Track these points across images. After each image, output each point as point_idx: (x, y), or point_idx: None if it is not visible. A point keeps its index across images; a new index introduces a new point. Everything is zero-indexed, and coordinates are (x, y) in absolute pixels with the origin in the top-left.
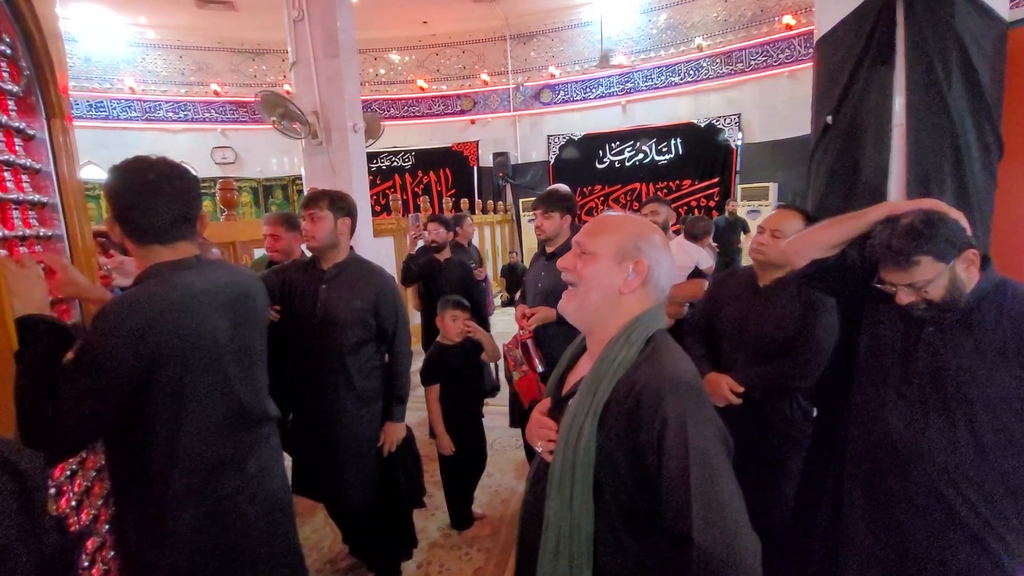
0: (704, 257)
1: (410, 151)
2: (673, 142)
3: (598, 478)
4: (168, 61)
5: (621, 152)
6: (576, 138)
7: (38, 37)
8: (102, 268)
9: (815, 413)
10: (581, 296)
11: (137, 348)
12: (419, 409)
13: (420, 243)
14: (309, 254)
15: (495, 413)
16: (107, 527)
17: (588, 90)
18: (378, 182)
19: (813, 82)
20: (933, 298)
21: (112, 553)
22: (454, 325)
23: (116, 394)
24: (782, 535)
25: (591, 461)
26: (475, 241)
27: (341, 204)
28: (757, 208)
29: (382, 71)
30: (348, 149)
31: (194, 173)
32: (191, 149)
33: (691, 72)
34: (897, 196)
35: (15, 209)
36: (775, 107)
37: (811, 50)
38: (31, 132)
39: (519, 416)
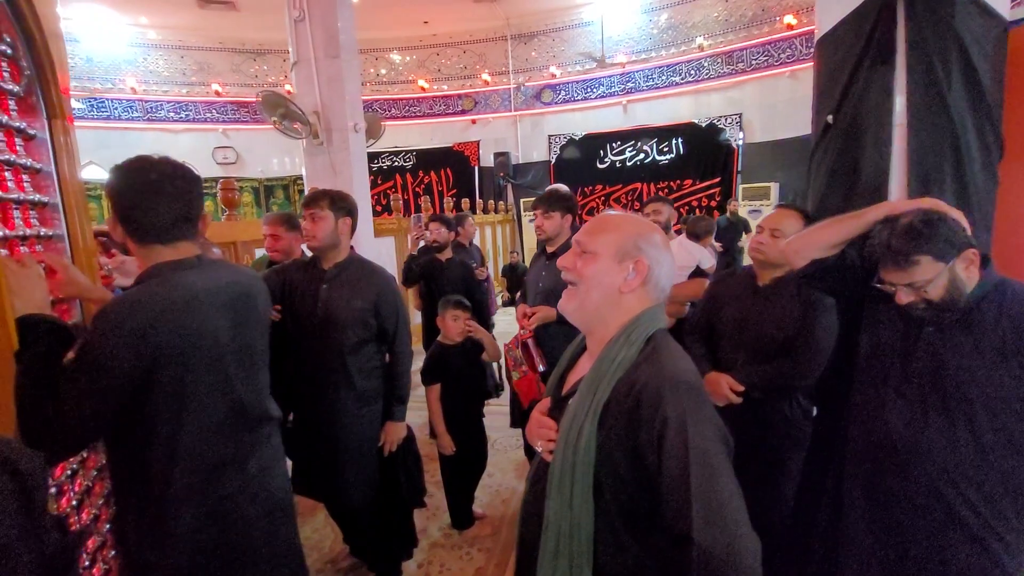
0: (706, 257)
1: (411, 151)
2: (674, 142)
3: (598, 478)
4: (169, 61)
5: (622, 152)
6: (577, 138)
7: (39, 37)
8: (103, 268)
9: (815, 412)
10: (581, 295)
11: (137, 348)
12: (420, 409)
13: (421, 243)
14: (310, 254)
15: (496, 413)
16: (108, 526)
17: (589, 90)
18: (379, 182)
19: (814, 82)
20: (933, 298)
21: (113, 553)
22: (455, 325)
23: (116, 394)
24: (782, 535)
25: (591, 460)
26: (476, 241)
27: (342, 204)
28: (758, 208)
29: (383, 71)
30: (349, 149)
31: (196, 173)
32: (192, 149)
33: (692, 72)
34: (897, 196)
35: (16, 209)
36: (776, 107)
37: (812, 50)
38: (32, 132)
39: (520, 416)
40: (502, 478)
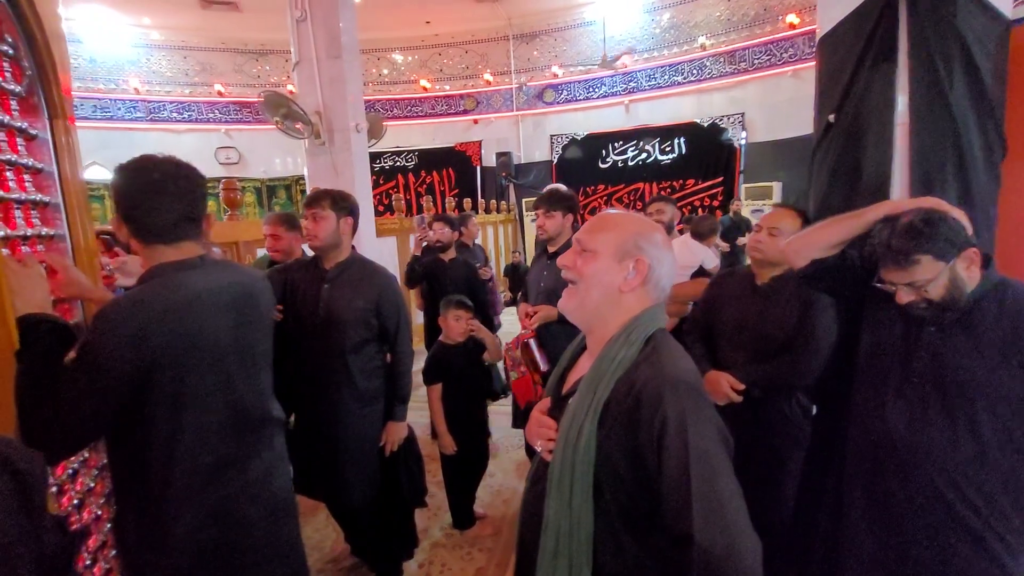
0: (709, 257)
1: (413, 151)
2: (676, 142)
3: (598, 477)
4: (172, 62)
5: (624, 152)
6: (579, 138)
7: (40, 37)
8: (105, 268)
9: (814, 412)
10: (581, 294)
11: (137, 349)
12: (421, 409)
13: (424, 244)
14: (311, 254)
15: (497, 413)
16: (108, 526)
17: (591, 90)
18: (381, 182)
19: (815, 81)
20: (933, 297)
21: (113, 552)
22: (457, 325)
23: (116, 394)
24: (782, 535)
25: (591, 460)
26: (478, 241)
27: (343, 204)
28: (761, 208)
29: (385, 71)
30: (351, 149)
31: (200, 173)
32: (195, 149)
33: (694, 71)
34: (900, 195)
35: (18, 209)
36: (779, 106)
37: (814, 49)
38: (33, 132)
39: (520, 417)
40: (503, 478)
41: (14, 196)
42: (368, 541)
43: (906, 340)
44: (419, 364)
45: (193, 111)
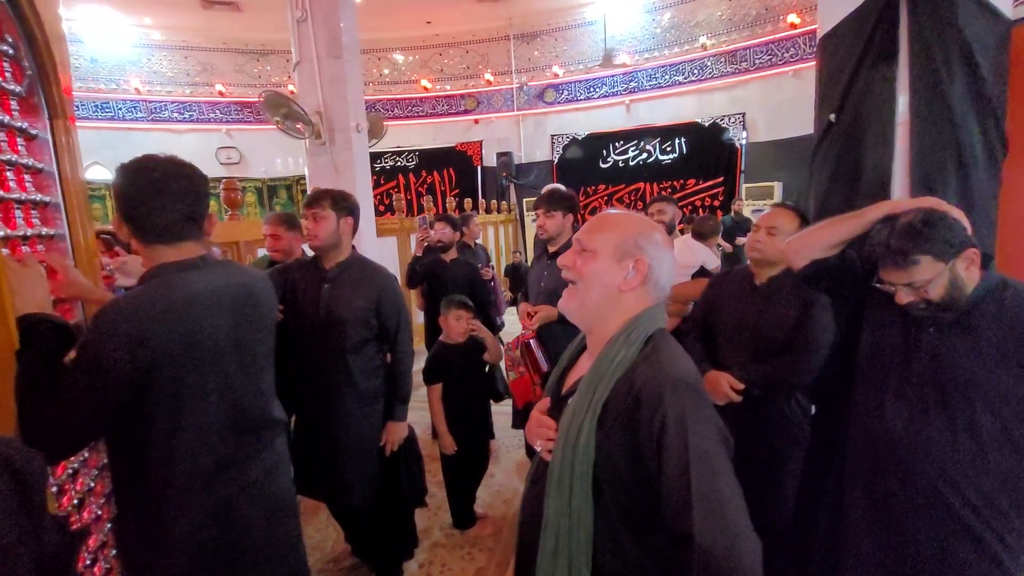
0: (711, 257)
1: (414, 151)
2: (677, 142)
3: (597, 477)
4: (173, 62)
5: (625, 152)
6: (580, 138)
7: (40, 37)
8: (105, 268)
9: (813, 411)
10: (581, 294)
11: (136, 349)
12: (421, 409)
13: (426, 245)
14: (311, 254)
15: (497, 413)
16: (109, 526)
17: (592, 90)
18: (382, 182)
19: (816, 80)
20: (933, 298)
21: (114, 552)
22: (457, 325)
23: (115, 394)
24: (782, 535)
25: (590, 460)
26: (480, 241)
27: (344, 203)
28: (762, 208)
29: (386, 71)
30: (351, 149)
31: (202, 173)
32: (196, 149)
33: (695, 71)
34: (900, 195)
35: (18, 208)
36: (780, 106)
37: (815, 49)
38: (34, 132)
39: (521, 417)
40: (504, 478)
41: (14, 196)
42: (368, 541)
43: (906, 340)
44: (419, 364)
45: (194, 111)
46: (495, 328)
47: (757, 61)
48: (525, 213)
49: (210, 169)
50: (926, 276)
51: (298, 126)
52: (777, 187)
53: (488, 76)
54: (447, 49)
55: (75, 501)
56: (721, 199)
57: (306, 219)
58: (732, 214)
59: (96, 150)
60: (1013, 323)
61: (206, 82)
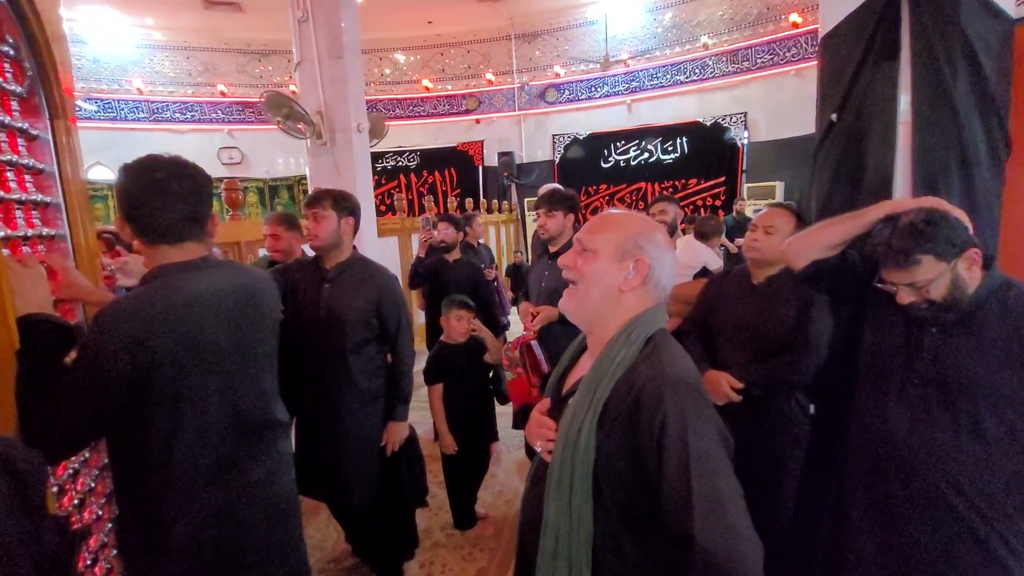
0: (712, 257)
1: (415, 151)
2: (678, 141)
3: (597, 478)
4: (175, 62)
5: (626, 151)
6: (581, 137)
7: (41, 38)
8: (106, 268)
9: (812, 411)
10: (581, 294)
11: (136, 350)
12: (422, 409)
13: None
14: (311, 254)
15: (498, 414)
16: (109, 526)
17: (593, 89)
18: (383, 182)
19: (817, 80)
20: (934, 298)
21: (115, 552)
22: (459, 325)
23: (115, 395)
24: (782, 536)
25: (590, 460)
26: (484, 240)
27: (344, 203)
28: (763, 207)
29: (387, 71)
30: (352, 149)
31: (205, 173)
32: (198, 149)
33: (697, 71)
34: (903, 195)
35: (19, 209)
36: (781, 106)
37: (817, 48)
38: (35, 132)
39: (521, 417)
40: (505, 478)
41: (15, 196)
42: (369, 541)
43: (908, 341)
44: (420, 364)
45: (196, 111)
46: (499, 328)
47: (759, 60)
48: (526, 213)
49: (212, 169)
50: (928, 276)
51: (299, 126)
52: (779, 187)
53: (489, 76)
54: (448, 49)
55: (76, 501)
56: (723, 199)
57: (307, 219)
58: (734, 214)
59: (99, 150)
60: (1017, 323)
61: (208, 82)
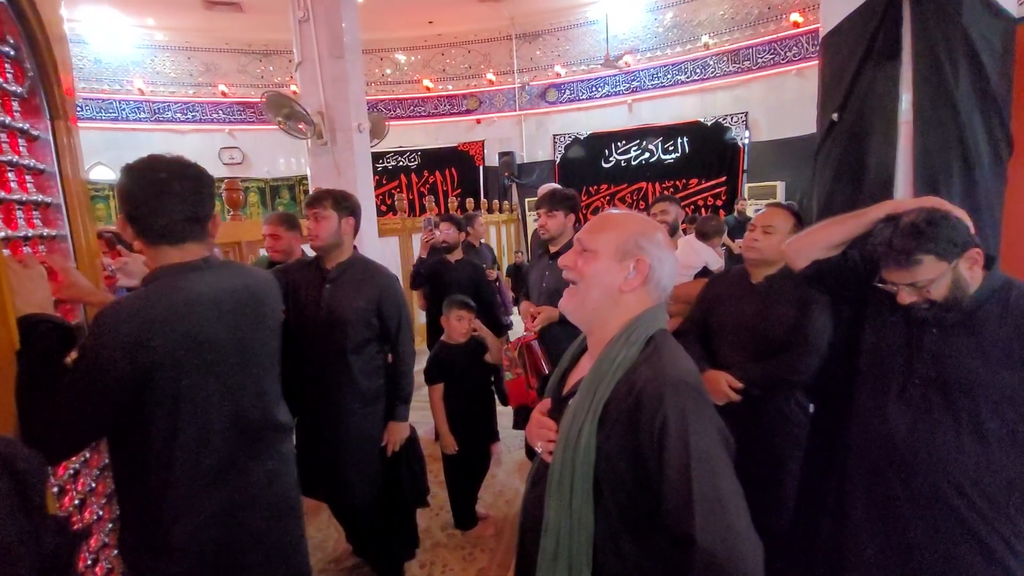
0: (714, 257)
1: (416, 151)
2: (679, 141)
3: (598, 478)
4: (176, 62)
5: (627, 151)
6: (582, 137)
7: (42, 39)
8: (107, 268)
9: (811, 409)
10: (581, 294)
11: (136, 351)
12: (423, 409)
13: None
14: (311, 254)
15: (499, 414)
16: (110, 526)
17: (594, 89)
18: (384, 182)
19: (818, 79)
20: (935, 298)
21: (115, 552)
22: (459, 325)
23: (114, 396)
24: (782, 536)
25: (591, 461)
26: (484, 241)
27: (345, 204)
28: (764, 208)
29: (388, 71)
30: (353, 149)
31: (207, 173)
32: (199, 149)
33: (698, 70)
34: (904, 194)
35: (19, 209)
36: (783, 105)
37: (818, 47)
38: (35, 133)
39: (522, 418)
40: (505, 478)
41: (16, 197)
42: (370, 541)
43: (908, 341)
44: (421, 364)
45: (197, 111)
46: (502, 328)
47: (760, 60)
48: (527, 213)
49: (213, 169)
50: (929, 276)
51: (300, 126)
52: (780, 186)
53: (490, 76)
54: (449, 49)
55: (76, 501)
56: (724, 199)
57: (308, 219)
58: (736, 214)
59: (100, 150)
60: (1018, 324)
61: (209, 82)
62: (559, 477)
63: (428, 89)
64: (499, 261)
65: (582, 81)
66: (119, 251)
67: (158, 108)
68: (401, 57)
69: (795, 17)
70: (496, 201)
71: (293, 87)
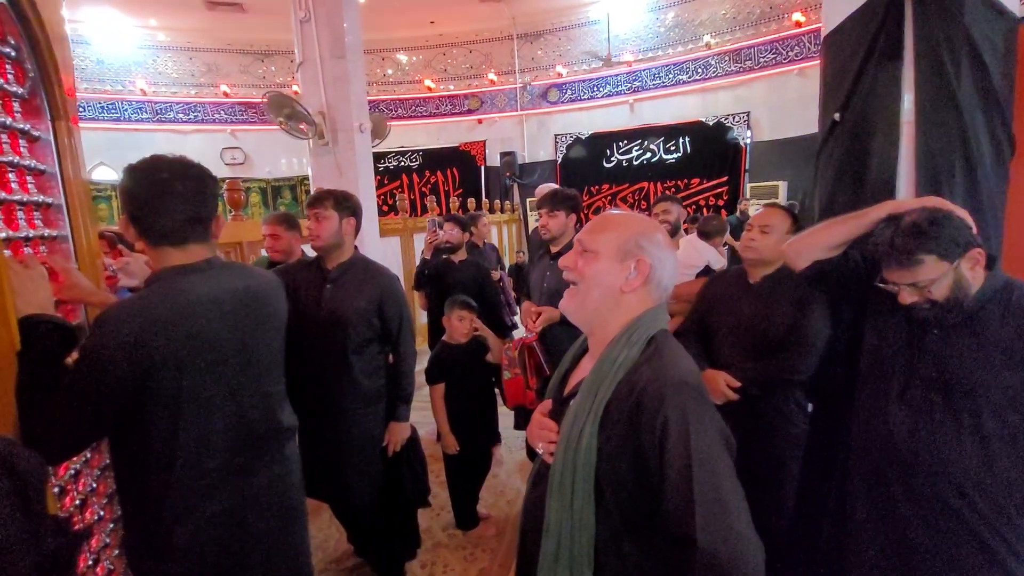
0: (716, 257)
1: (417, 151)
2: (681, 141)
3: (599, 479)
4: (178, 63)
5: (629, 151)
6: (583, 137)
7: (43, 39)
8: (108, 268)
9: (810, 409)
10: (582, 295)
11: (136, 353)
12: (424, 409)
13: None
14: (311, 254)
15: (500, 414)
16: (111, 526)
17: (595, 89)
18: (385, 182)
19: (820, 79)
20: (937, 298)
21: (116, 552)
22: (460, 325)
23: (115, 397)
24: (782, 537)
25: (592, 462)
26: (488, 241)
27: (346, 204)
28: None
29: (390, 71)
30: (354, 149)
31: (210, 173)
32: (201, 150)
33: (699, 70)
34: (906, 195)
35: (20, 210)
36: (784, 105)
37: (820, 47)
38: (36, 134)
39: (523, 419)
40: (506, 478)
41: (17, 198)
42: (371, 541)
43: (909, 342)
44: (422, 364)
45: (199, 112)
46: (506, 329)
47: (761, 60)
48: (529, 213)
49: (215, 169)
50: (930, 276)
51: (301, 126)
52: (782, 186)
53: (492, 76)
54: (450, 49)
55: (77, 502)
56: (725, 199)
57: (309, 219)
58: (738, 213)
59: (102, 151)
60: (1019, 325)
61: (211, 83)
62: (560, 478)
63: (429, 89)
64: (501, 261)
65: (583, 81)
66: (120, 251)
67: (160, 108)
68: (402, 57)
69: (797, 17)
70: (497, 201)
71: (295, 87)
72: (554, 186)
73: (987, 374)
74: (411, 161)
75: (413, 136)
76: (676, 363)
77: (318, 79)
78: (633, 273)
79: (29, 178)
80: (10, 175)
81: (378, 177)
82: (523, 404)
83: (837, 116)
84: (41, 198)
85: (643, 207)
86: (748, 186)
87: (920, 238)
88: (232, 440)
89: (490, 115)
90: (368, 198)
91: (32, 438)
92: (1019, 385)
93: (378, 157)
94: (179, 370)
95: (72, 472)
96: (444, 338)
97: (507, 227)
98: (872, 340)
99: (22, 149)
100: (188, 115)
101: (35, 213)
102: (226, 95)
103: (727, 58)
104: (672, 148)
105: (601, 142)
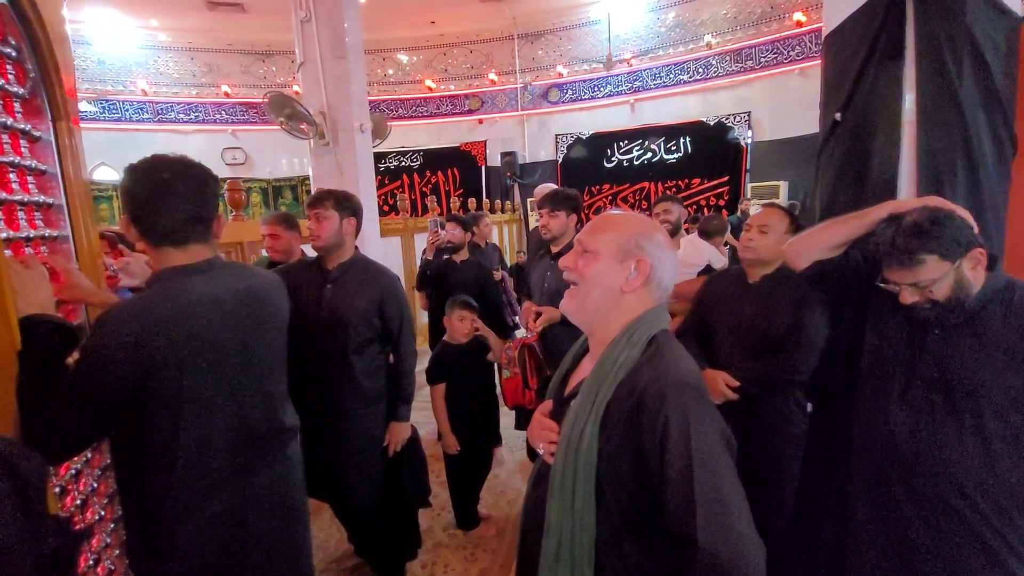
0: (717, 256)
1: (418, 151)
2: (682, 141)
3: (600, 480)
4: (179, 63)
5: (629, 151)
6: (584, 137)
7: (43, 39)
8: (108, 268)
9: (810, 409)
10: (582, 295)
11: (137, 353)
12: (425, 409)
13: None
14: (312, 254)
15: (501, 415)
16: (112, 526)
17: (596, 89)
18: (386, 182)
19: (821, 79)
20: (938, 298)
21: (117, 552)
22: (461, 325)
23: (115, 397)
24: (782, 537)
25: (593, 463)
26: (490, 241)
27: (346, 204)
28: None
29: (390, 71)
30: (355, 149)
31: (211, 173)
32: (202, 150)
33: (700, 70)
34: (908, 194)
35: (21, 210)
36: (785, 105)
37: (821, 47)
38: (37, 134)
39: (524, 419)
40: (507, 479)
41: (17, 198)
42: (371, 541)
43: (911, 342)
44: (423, 364)
45: (200, 112)
46: (508, 329)
47: (762, 60)
48: (529, 213)
49: (216, 170)
50: (932, 276)
51: (302, 127)
52: (782, 186)
53: (492, 76)
54: (451, 49)
55: (78, 501)
56: (726, 198)
57: (309, 219)
58: (740, 213)
59: (103, 151)
60: (1021, 325)
61: (212, 83)
62: (561, 478)
63: (430, 89)
64: (504, 261)
65: (584, 81)
66: (121, 251)
67: (161, 109)
68: (403, 57)
69: (798, 16)
70: (498, 201)
71: (295, 87)
72: (554, 186)
73: (988, 374)
74: (412, 161)
75: (414, 136)
76: (677, 363)
77: (319, 79)
78: (633, 273)
79: (30, 178)
80: (11, 175)
81: (379, 177)
82: (521, 403)
83: (838, 116)
84: (42, 198)
85: (644, 207)
86: (749, 186)
87: (921, 238)
88: (233, 440)
89: (491, 115)
90: (369, 198)
91: (33, 438)
92: (1021, 385)
93: (379, 157)
94: (180, 370)
95: (73, 472)
96: (445, 338)
97: (508, 227)
98: (873, 340)
99: (23, 149)
100: (189, 115)
101: (36, 213)
102: (227, 95)
103: (728, 58)
104: (673, 148)
105: (602, 142)
